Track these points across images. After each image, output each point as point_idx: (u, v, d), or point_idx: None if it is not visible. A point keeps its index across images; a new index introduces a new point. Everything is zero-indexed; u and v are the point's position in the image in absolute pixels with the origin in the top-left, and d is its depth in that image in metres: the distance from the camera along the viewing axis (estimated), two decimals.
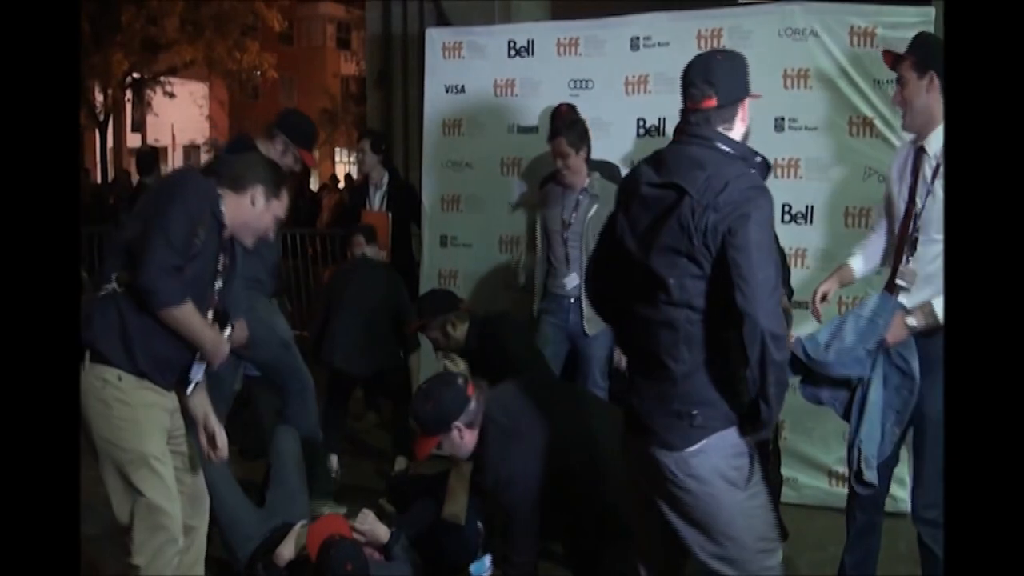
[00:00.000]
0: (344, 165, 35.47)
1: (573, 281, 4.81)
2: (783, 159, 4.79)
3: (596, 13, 5.47)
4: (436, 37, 5.79)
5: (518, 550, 3.40)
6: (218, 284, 3.23)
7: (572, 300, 4.83)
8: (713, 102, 2.64)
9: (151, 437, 3.10)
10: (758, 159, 2.67)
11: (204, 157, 35.42)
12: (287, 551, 3.79)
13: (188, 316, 3.04)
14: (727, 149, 2.63)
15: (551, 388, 3.79)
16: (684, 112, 2.71)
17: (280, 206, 3.32)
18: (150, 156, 8.63)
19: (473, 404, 3.36)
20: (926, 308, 3.14)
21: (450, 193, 5.75)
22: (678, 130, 2.73)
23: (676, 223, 2.56)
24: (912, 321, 3.16)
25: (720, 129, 2.66)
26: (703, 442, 2.59)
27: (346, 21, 39.40)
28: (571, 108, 5.14)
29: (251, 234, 3.30)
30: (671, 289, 2.57)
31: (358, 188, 6.70)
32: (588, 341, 4.81)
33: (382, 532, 3.80)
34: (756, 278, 2.46)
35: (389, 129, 7.23)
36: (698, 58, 2.75)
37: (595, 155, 4.90)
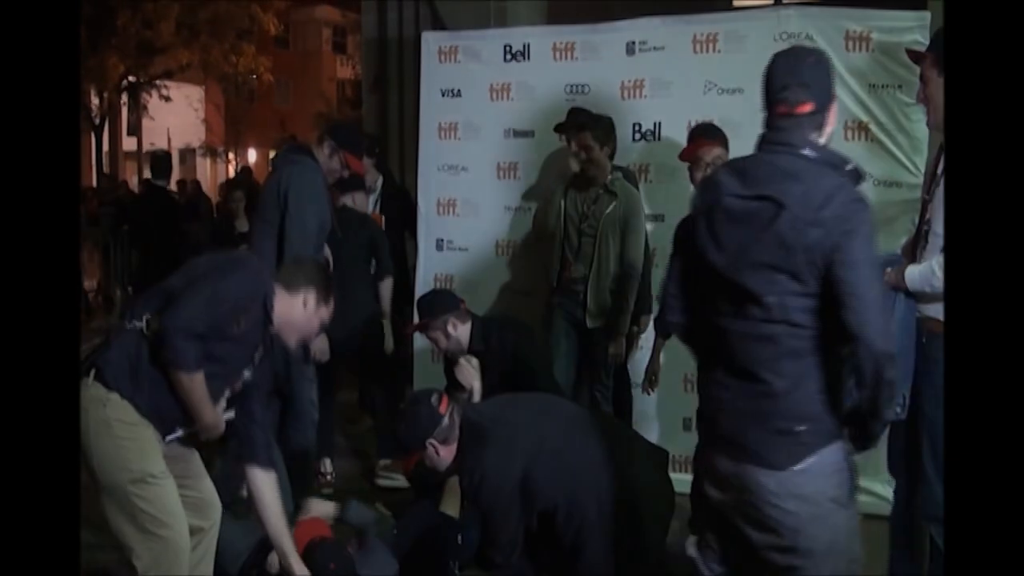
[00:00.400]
0: None
1: (578, 271, 4.89)
2: None
3: (592, 16, 5.49)
4: (432, 41, 5.80)
5: (497, 552, 3.45)
6: (247, 373, 3.24)
7: (580, 296, 4.89)
8: (808, 107, 2.48)
9: (153, 455, 3.10)
10: (848, 167, 2.50)
11: (200, 161, 35.42)
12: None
13: (195, 385, 3.04)
14: (819, 158, 2.48)
15: (537, 399, 3.81)
16: (771, 117, 2.54)
17: (327, 312, 3.34)
18: (165, 159, 8.53)
19: (446, 421, 3.45)
20: (901, 269, 3.15)
21: (446, 197, 5.75)
22: (764, 138, 2.56)
23: (774, 239, 2.41)
24: (888, 269, 3.14)
25: (811, 136, 2.50)
26: (809, 460, 2.45)
27: (342, 25, 39.38)
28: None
29: (296, 335, 3.32)
30: (770, 307, 2.44)
31: None
32: (593, 337, 4.87)
33: (327, 509, 3.85)
34: (868, 296, 2.36)
35: (385, 133, 7.23)
36: (786, 57, 2.56)
37: None
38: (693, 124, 5.11)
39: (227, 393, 3.22)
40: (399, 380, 5.67)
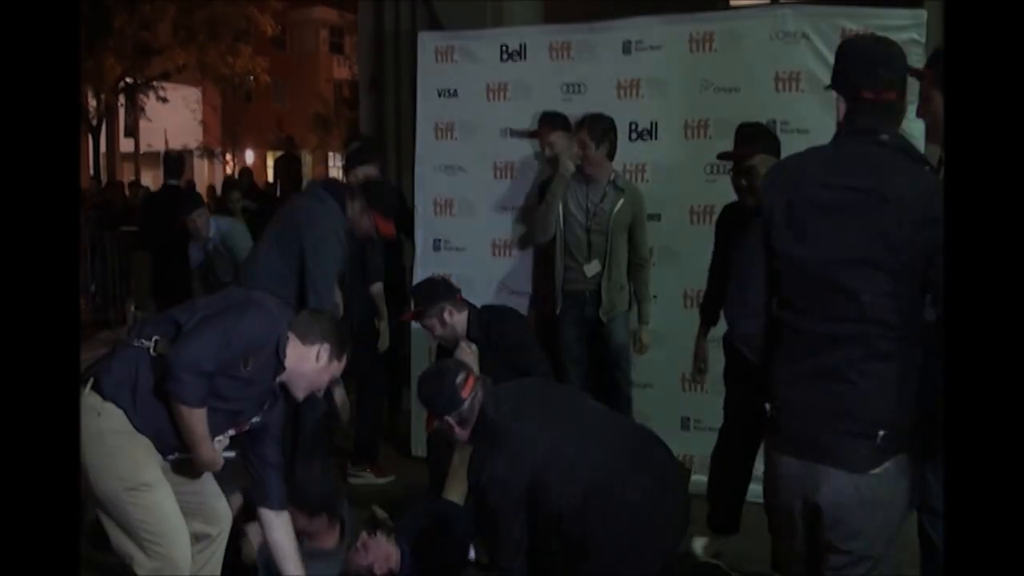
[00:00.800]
0: (338, 170, 35.47)
1: (594, 269, 4.90)
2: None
3: (588, 15, 5.50)
4: (428, 41, 5.82)
5: (501, 555, 3.42)
6: (256, 419, 3.22)
7: (589, 293, 4.91)
8: (893, 94, 2.39)
9: (146, 464, 3.08)
10: (927, 167, 2.42)
11: (197, 162, 35.39)
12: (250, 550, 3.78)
13: (195, 419, 3.02)
14: (906, 149, 2.39)
15: (552, 395, 3.78)
16: (855, 103, 2.43)
17: (339, 368, 3.28)
18: (178, 160, 8.44)
19: (466, 405, 3.37)
20: None
21: (443, 197, 5.76)
22: (849, 126, 2.45)
23: (876, 235, 2.31)
24: None
25: (894, 126, 2.41)
26: (886, 464, 2.39)
27: (339, 26, 39.44)
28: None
29: (304, 387, 3.25)
30: (865, 306, 2.33)
31: None
32: (607, 330, 4.90)
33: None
34: None
35: (382, 133, 7.23)
36: (865, 44, 2.49)
37: None
38: (691, 122, 5.14)
39: (230, 431, 3.19)
40: (395, 382, 5.67)
